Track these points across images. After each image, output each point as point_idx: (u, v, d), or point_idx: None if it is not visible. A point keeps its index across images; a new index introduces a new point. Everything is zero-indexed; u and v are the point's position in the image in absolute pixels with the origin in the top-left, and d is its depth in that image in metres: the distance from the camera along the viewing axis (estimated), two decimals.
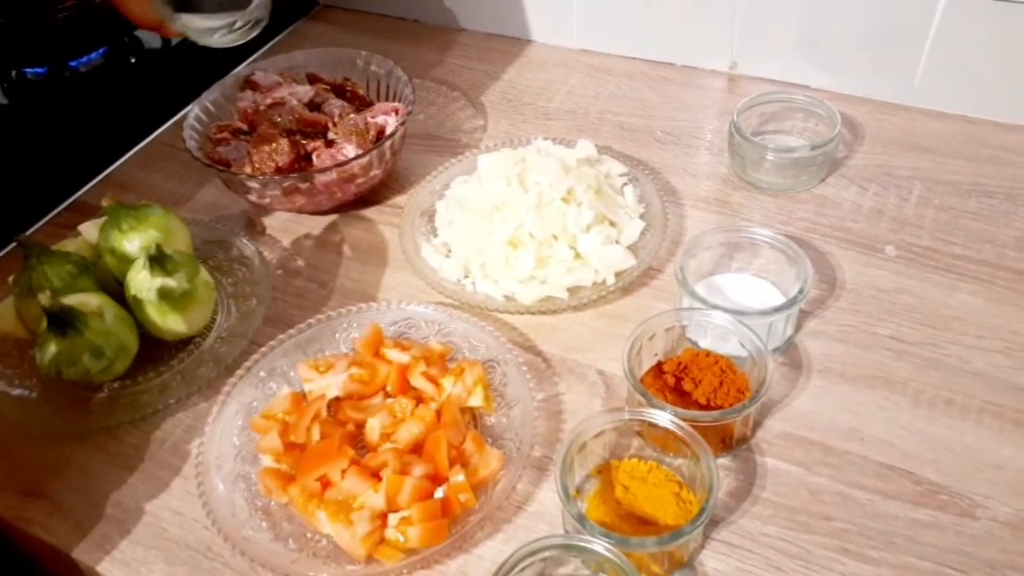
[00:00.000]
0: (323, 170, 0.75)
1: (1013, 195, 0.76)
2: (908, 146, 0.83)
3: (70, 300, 0.64)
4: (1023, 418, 0.59)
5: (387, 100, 0.86)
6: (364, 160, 0.76)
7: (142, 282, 0.66)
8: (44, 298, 0.61)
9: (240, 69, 0.90)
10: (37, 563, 0.65)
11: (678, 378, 0.61)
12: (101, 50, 0.94)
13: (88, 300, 0.65)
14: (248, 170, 0.77)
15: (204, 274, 0.69)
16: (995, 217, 0.75)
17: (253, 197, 0.79)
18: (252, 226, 0.82)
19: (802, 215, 0.77)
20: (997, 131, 0.83)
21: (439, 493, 0.55)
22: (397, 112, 0.82)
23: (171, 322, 0.67)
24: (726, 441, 0.59)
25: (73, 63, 0.92)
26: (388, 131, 0.79)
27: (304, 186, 0.76)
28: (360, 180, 0.78)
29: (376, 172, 0.79)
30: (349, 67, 0.88)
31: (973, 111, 0.84)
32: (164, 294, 0.66)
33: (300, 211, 0.80)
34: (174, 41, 0.99)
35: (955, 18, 0.79)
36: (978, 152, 0.81)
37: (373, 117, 0.81)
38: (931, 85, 0.84)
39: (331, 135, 0.79)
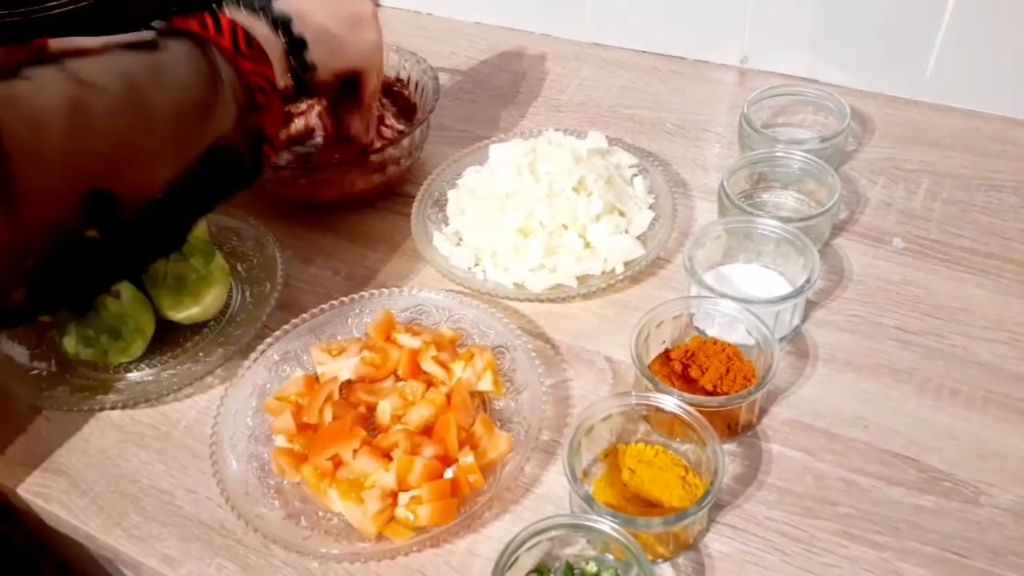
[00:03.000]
0: (324, 167, 0.76)
1: (1021, 189, 0.77)
2: (917, 140, 0.83)
3: None
4: None
5: (413, 92, 0.87)
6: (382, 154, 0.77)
7: (159, 266, 0.67)
8: None
9: None
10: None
11: (685, 365, 0.62)
12: None
13: None
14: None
15: (220, 260, 0.70)
16: (1003, 211, 0.75)
17: (268, 186, 0.80)
18: (267, 213, 0.82)
19: None
20: (1007, 126, 0.83)
21: (449, 473, 0.56)
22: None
23: (187, 306, 0.68)
24: (732, 427, 0.60)
25: None
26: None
27: (306, 176, 0.77)
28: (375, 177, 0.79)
29: (392, 168, 0.80)
30: None
31: (983, 106, 0.85)
32: (180, 279, 0.67)
33: (313, 199, 0.81)
34: None
35: (966, 13, 0.79)
36: (987, 147, 0.81)
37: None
38: (941, 80, 0.85)
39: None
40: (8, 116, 0.42)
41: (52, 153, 0.44)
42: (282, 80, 0.60)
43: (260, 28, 0.59)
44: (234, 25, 0.56)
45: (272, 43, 0.60)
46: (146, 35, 0.54)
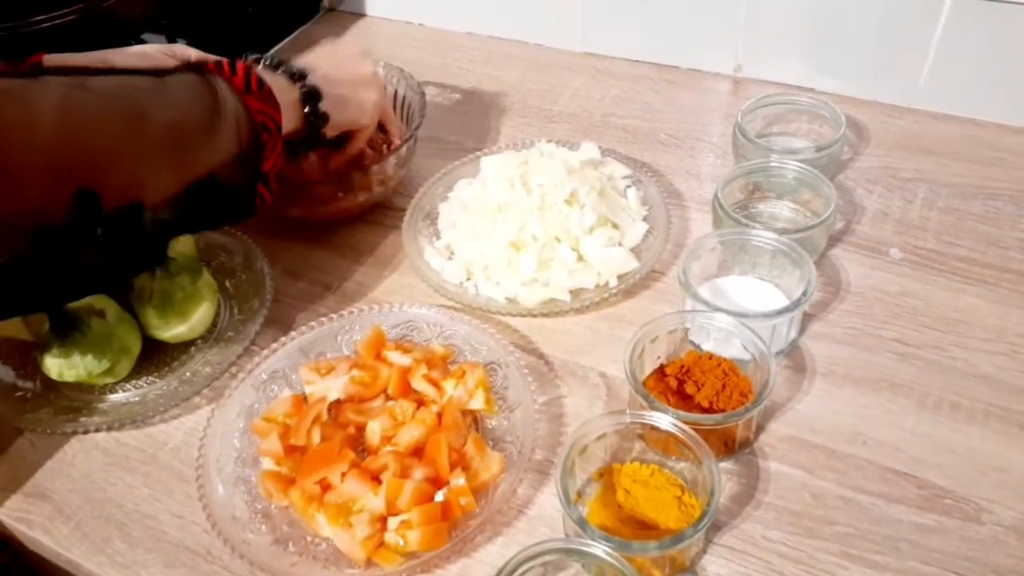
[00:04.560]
0: (309, 185, 0.75)
1: (1019, 197, 0.76)
2: (913, 149, 0.82)
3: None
4: None
5: (399, 108, 0.86)
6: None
7: (145, 284, 0.66)
8: None
9: None
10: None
11: (680, 381, 0.61)
12: None
13: (91, 302, 0.65)
14: None
15: (207, 276, 0.69)
16: (1001, 220, 0.74)
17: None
18: (255, 228, 0.81)
19: None
20: (1003, 133, 0.82)
21: (439, 496, 0.55)
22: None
23: (173, 325, 0.67)
24: (728, 444, 0.58)
25: None
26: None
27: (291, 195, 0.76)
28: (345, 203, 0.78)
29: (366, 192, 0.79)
30: None
31: (979, 113, 0.84)
32: (166, 297, 0.66)
33: (300, 218, 0.80)
34: None
35: (960, 20, 0.78)
36: (983, 154, 0.80)
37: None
38: (936, 87, 0.84)
39: None
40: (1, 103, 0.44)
41: (40, 142, 0.46)
42: (291, 125, 0.64)
43: (277, 80, 0.63)
44: (248, 69, 0.60)
45: (287, 91, 0.64)
46: (160, 65, 0.59)
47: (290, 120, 0.63)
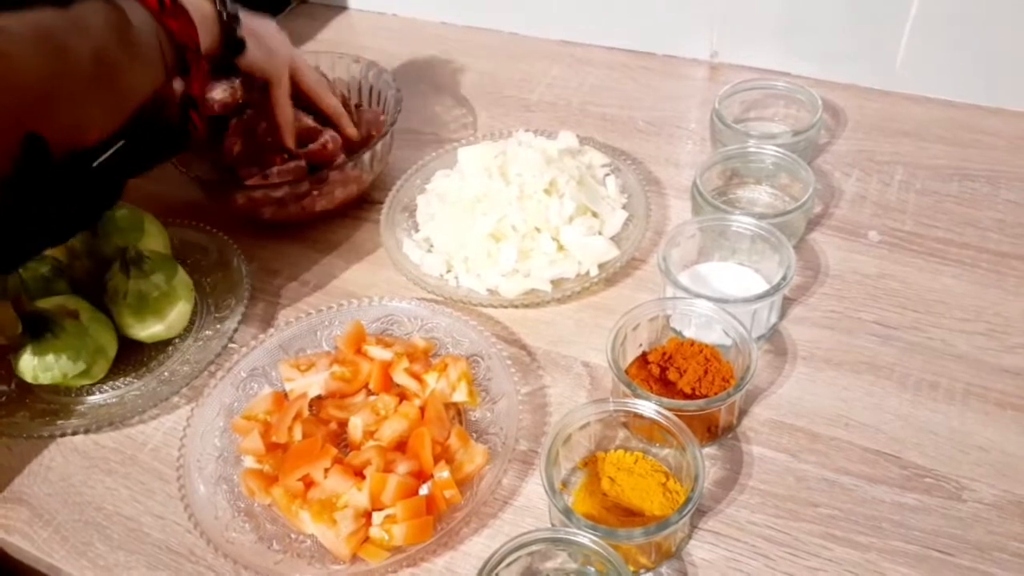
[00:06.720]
0: (280, 186, 0.73)
1: (995, 178, 0.76)
2: (890, 131, 0.83)
3: (46, 304, 0.64)
4: (1007, 400, 0.59)
5: (375, 103, 0.85)
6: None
7: (119, 284, 0.65)
8: (17, 302, 0.60)
9: None
10: None
11: (663, 368, 0.61)
12: None
13: (64, 303, 0.64)
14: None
15: (182, 275, 0.68)
16: (977, 200, 0.74)
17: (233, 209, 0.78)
18: (230, 224, 0.80)
19: None
20: (979, 115, 0.83)
21: (424, 490, 0.55)
22: None
23: (149, 324, 0.66)
24: (712, 430, 0.59)
25: None
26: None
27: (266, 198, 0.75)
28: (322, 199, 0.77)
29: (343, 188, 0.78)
30: (334, 68, 0.86)
31: (955, 95, 0.84)
32: (141, 296, 0.65)
33: (276, 219, 0.78)
34: None
35: (935, 2, 0.79)
36: (960, 136, 0.81)
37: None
38: (912, 70, 0.84)
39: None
40: None
41: None
42: (207, 42, 0.61)
43: None
44: None
45: (204, 10, 0.62)
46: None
47: (206, 37, 0.61)
